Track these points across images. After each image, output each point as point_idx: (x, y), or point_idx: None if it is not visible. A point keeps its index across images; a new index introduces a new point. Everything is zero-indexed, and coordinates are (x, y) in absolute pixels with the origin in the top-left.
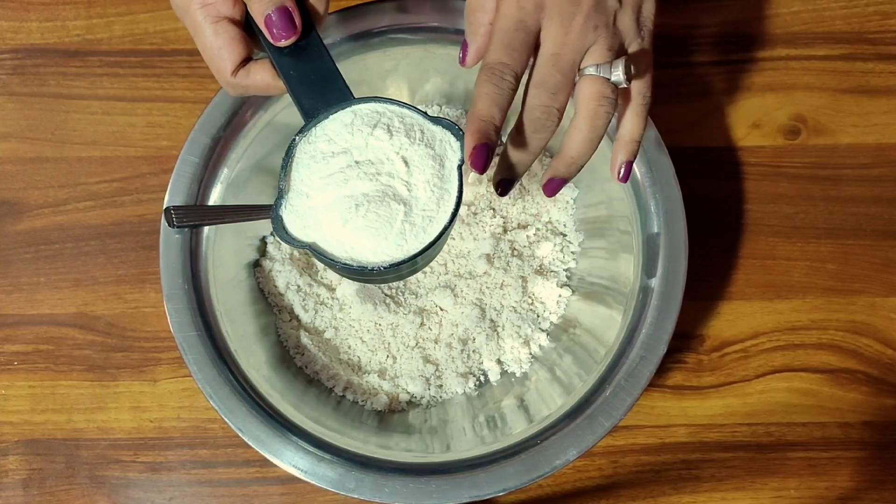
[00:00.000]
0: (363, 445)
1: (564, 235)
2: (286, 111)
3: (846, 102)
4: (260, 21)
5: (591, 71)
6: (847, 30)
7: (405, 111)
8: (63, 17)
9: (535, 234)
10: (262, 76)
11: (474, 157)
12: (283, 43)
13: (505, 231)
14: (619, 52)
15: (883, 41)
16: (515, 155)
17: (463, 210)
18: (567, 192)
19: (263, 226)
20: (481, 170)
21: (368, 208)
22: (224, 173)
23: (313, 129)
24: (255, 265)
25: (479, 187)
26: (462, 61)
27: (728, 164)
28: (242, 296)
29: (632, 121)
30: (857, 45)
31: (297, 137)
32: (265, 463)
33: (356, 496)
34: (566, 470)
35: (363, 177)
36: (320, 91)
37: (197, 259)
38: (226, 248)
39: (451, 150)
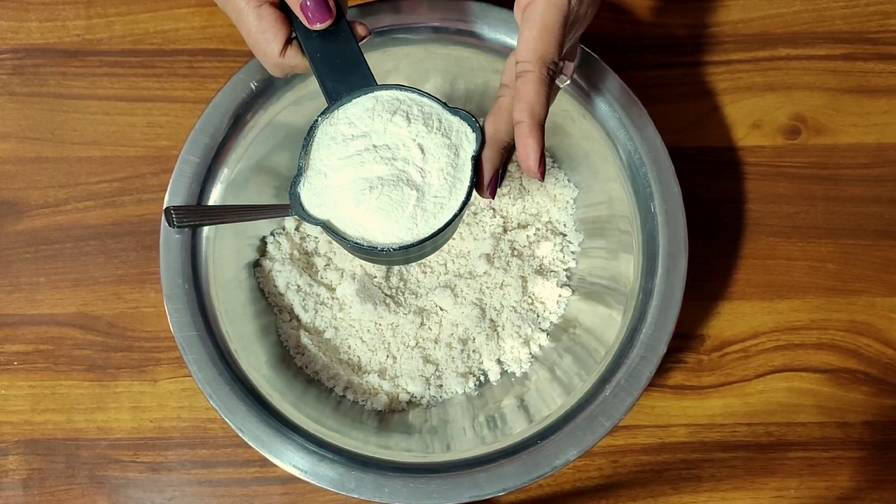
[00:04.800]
0: (363, 445)
1: (564, 235)
2: (286, 111)
3: (846, 102)
4: (295, 7)
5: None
6: (847, 30)
7: (425, 100)
8: (63, 17)
9: (535, 234)
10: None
11: (541, 163)
12: (318, 27)
13: (505, 231)
14: (575, 50)
15: (883, 41)
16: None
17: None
18: (567, 192)
19: (263, 226)
20: (542, 175)
21: (382, 191)
22: (224, 173)
23: (336, 111)
24: (255, 265)
25: None
26: None
27: (728, 164)
28: (242, 296)
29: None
30: (857, 45)
31: (320, 118)
32: (265, 463)
33: (356, 496)
34: (566, 470)
35: (379, 160)
36: (345, 75)
37: (197, 259)
38: (226, 248)
39: (467, 140)
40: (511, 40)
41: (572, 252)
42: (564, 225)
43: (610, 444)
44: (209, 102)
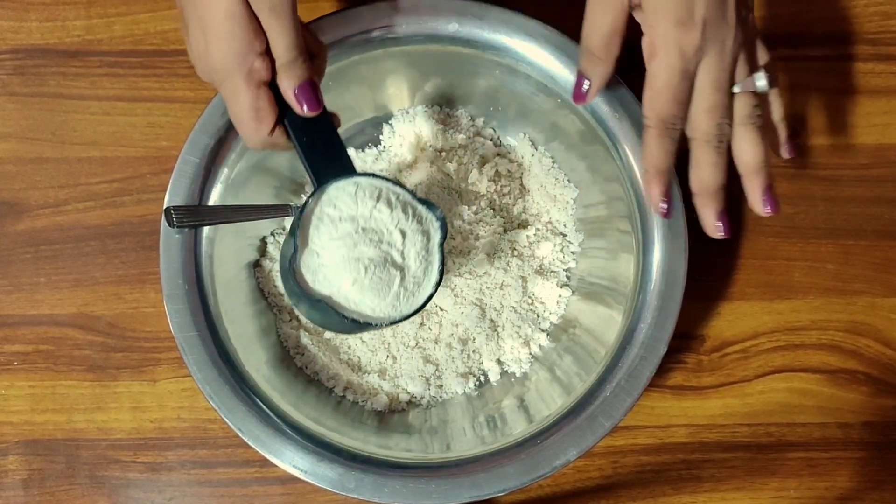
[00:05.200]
0: (363, 445)
1: (564, 235)
2: None
3: (846, 102)
4: (288, 95)
5: (738, 88)
6: (847, 30)
7: (398, 189)
8: (63, 17)
9: (535, 234)
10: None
11: (668, 211)
12: (306, 113)
13: (505, 231)
14: (754, 58)
15: (883, 41)
16: (704, 178)
17: (464, 209)
18: (567, 192)
19: (263, 226)
20: (669, 214)
21: (374, 272)
22: (224, 173)
23: (320, 193)
24: (255, 265)
25: (479, 186)
26: (582, 97)
27: (728, 164)
28: (242, 296)
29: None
30: (857, 45)
31: (311, 200)
32: (265, 463)
33: (356, 496)
34: (566, 470)
35: (368, 243)
36: (328, 159)
37: (197, 259)
38: (226, 248)
39: (433, 228)
40: (510, 40)
41: (572, 252)
42: (564, 225)
43: (610, 445)
44: (209, 102)
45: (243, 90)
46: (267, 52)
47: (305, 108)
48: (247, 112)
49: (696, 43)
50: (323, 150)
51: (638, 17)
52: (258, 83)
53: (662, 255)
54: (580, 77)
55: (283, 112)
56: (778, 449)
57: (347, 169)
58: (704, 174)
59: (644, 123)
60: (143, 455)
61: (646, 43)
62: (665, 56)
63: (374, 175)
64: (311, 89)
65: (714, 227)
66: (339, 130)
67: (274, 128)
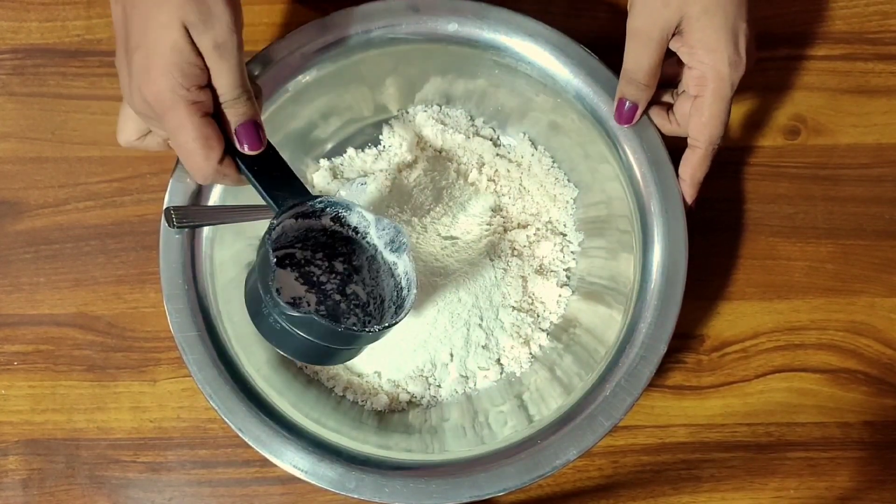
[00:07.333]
0: (363, 445)
1: (564, 235)
2: (284, 111)
3: (846, 102)
4: (231, 132)
5: None
6: (847, 30)
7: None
8: (63, 17)
9: (535, 234)
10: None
11: (695, 201)
12: (248, 152)
13: (505, 231)
14: None
15: (883, 41)
16: (697, 174)
17: (463, 208)
18: (567, 192)
19: (263, 226)
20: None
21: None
22: None
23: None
24: None
25: (479, 186)
26: (629, 119)
27: (728, 164)
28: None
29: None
30: (857, 45)
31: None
32: (265, 463)
33: (356, 496)
34: (566, 470)
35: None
36: (283, 185)
37: (197, 259)
38: (226, 248)
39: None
40: (510, 40)
41: (572, 252)
42: (564, 225)
43: (610, 444)
44: None
45: (188, 119)
46: (209, 86)
47: (247, 147)
48: (194, 141)
49: (742, 74)
50: (277, 177)
51: (679, 48)
52: (203, 113)
53: (662, 254)
54: (623, 101)
55: (230, 145)
56: (778, 449)
57: (303, 192)
58: (699, 171)
59: (692, 145)
60: (143, 455)
61: (694, 75)
62: (719, 90)
63: (328, 200)
64: (254, 128)
65: (691, 203)
66: (340, 131)
67: (223, 157)
